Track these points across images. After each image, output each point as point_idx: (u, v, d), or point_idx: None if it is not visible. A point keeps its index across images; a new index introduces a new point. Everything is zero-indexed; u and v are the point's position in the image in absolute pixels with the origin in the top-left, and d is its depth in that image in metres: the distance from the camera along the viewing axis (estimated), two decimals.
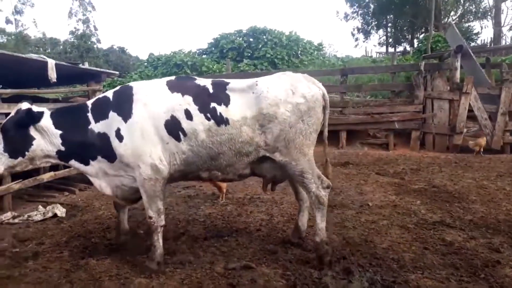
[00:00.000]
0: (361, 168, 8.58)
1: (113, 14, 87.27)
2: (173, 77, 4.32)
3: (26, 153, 3.94)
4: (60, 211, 6.07)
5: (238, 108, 3.86)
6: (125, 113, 3.88)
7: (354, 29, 43.77)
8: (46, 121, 3.98)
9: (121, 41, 73.74)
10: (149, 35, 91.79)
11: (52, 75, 7.09)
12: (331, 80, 14.32)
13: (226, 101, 3.89)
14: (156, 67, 17.70)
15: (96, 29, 45.66)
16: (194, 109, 3.85)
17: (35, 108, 4.01)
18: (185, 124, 3.82)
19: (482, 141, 9.46)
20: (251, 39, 18.05)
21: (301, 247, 4.43)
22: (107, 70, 8.62)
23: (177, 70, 15.76)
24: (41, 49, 39.14)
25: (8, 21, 46.04)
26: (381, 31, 42.22)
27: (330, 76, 14.41)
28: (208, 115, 3.83)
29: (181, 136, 3.83)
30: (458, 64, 10.13)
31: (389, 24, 40.72)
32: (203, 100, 3.89)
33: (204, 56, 17.66)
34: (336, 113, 11.80)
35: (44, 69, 7.09)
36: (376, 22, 41.22)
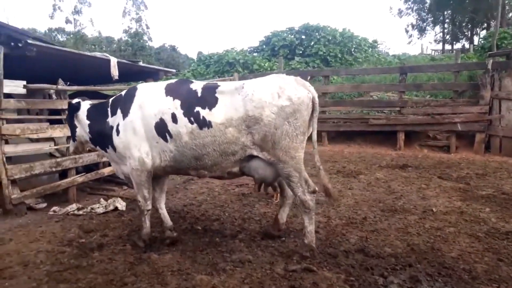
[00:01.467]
0: (422, 171, 8.19)
1: (164, 12, 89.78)
2: (173, 80, 4.64)
3: (76, 138, 4.98)
4: (121, 204, 6.27)
5: (223, 110, 4.03)
6: (125, 112, 4.44)
7: (408, 26, 42.28)
8: (82, 113, 4.80)
9: (171, 39, 75.41)
10: (198, 33, 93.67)
11: (115, 72, 7.35)
12: (387, 79, 13.84)
13: (212, 104, 4.08)
14: (208, 65, 17.95)
15: (148, 27, 47.25)
16: (179, 113, 4.16)
17: (75, 100, 4.89)
18: (171, 126, 4.18)
19: None
20: (303, 37, 17.80)
21: (363, 252, 4.26)
22: (165, 68, 8.84)
23: (229, 68, 15.88)
24: (97, 47, 41.06)
25: (68, 21, 48.75)
26: (437, 28, 40.40)
27: (386, 75, 13.95)
28: (192, 118, 4.10)
29: (168, 137, 4.22)
30: None
31: (447, 20, 38.85)
32: (189, 104, 4.15)
33: (255, 54, 17.65)
34: (394, 113, 11.38)
35: (106, 67, 7.36)
36: (432, 18, 39.47)
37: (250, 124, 3.94)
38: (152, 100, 4.33)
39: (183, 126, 4.12)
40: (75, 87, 6.86)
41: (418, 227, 5.02)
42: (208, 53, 18.81)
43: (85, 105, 4.86)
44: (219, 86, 4.22)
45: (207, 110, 4.07)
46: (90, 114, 4.81)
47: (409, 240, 4.58)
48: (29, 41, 5.78)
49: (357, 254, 4.23)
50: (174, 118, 4.16)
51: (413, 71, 12.16)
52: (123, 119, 4.43)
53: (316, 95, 4.10)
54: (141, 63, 8.05)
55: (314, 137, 4.25)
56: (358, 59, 17.18)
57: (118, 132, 4.46)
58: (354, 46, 17.57)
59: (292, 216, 5.53)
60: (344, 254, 4.23)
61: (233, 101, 4.02)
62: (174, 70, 8.81)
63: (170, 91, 4.33)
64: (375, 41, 20.39)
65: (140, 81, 9.60)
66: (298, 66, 16.02)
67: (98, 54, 7.48)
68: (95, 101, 5.26)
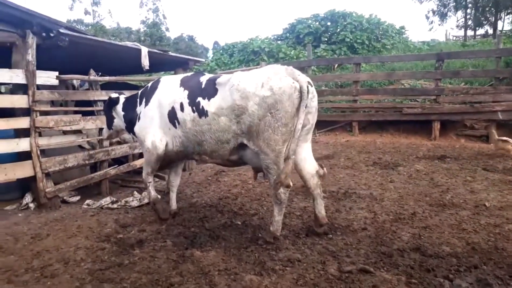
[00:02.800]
0: (463, 162, 7.79)
1: (179, 2, 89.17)
2: (189, 73, 5.15)
3: (112, 127, 5.69)
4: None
5: (218, 100, 4.27)
6: (147, 101, 5.00)
7: (428, 12, 41.13)
8: (119, 106, 5.49)
9: (188, 29, 75.06)
10: (214, 23, 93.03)
11: (145, 62, 7.16)
12: (418, 66, 13.33)
13: (211, 95, 4.35)
14: (232, 54, 17.65)
15: (165, 17, 47.24)
16: (186, 103, 4.54)
17: (114, 95, 5.56)
18: (179, 114, 4.60)
19: None
20: (328, 23, 17.27)
21: (419, 251, 3.98)
22: (194, 58, 8.61)
23: (254, 57, 15.53)
24: (117, 38, 41.18)
25: (86, 12, 49.07)
26: (459, 13, 39.15)
27: (418, 62, 13.42)
28: (194, 108, 4.45)
29: (177, 124, 4.67)
30: None
31: (469, 5, 37.59)
32: (194, 94, 4.49)
33: (279, 42, 17.26)
34: (429, 101, 10.92)
35: (136, 57, 7.17)
36: (454, 3, 38.25)
37: (238, 114, 4.10)
38: (168, 91, 4.80)
39: (188, 114, 4.51)
40: (106, 78, 6.71)
41: (473, 223, 4.70)
42: (232, 42, 18.50)
43: (122, 98, 5.54)
44: (219, 77, 4.44)
45: (206, 100, 4.37)
46: (125, 105, 5.46)
47: (467, 238, 4.27)
48: (62, 31, 5.61)
49: (413, 253, 3.95)
50: (181, 107, 4.57)
51: (451, 57, 11.63)
52: (145, 107, 5.01)
53: (304, 84, 3.98)
54: (171, 53, 7.83)
55: (297, 127, 3.97)
56: (386, 46, 16.61)
57: (139, 119, 5.10)
58: (381, 32, 16.98)
59: (335, 211, 5.28)
60: (399, 253, 3.96)
61: (225, 92, 4.21)
62: (203, 60, 8.61)
63: (183, 83, 4.73)
64: (402, 27, 19.71)
65: (170, 71, 9.42)
66: (324, 53, 15.57)
67: (129, 43, 7.29)
68: (128, 93, 5.91)
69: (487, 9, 36.65)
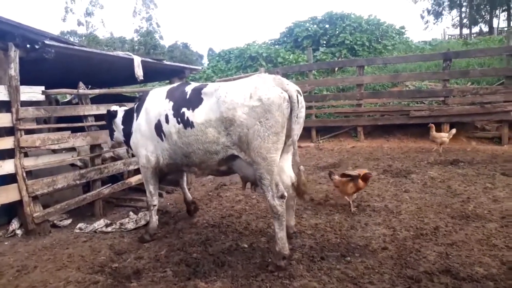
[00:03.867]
0: (478, 167, 7.35)
1: (172, 10, 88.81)
2: (176, 84, 5.04)
3: (113, 138, 5.70)
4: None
5: (204, 111, 4.17)
6: (137, 115, 5.01)
7: (423, 11, 41.12)
8: (118, 119, 5.46)
9: (182, 37, 74.51)
10: (208, 30, 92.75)
11: (139, 72, 6.74)
12: (422, 67, 12.93)
13: (196, 105, 4.26)
14: (229, 60, 17.26)
15: (158, 26, 47.16)
16: (171, 114, 4.47)
17: (114, 108, 5.53)
18: (164, 127, 4.55)
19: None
20: (327, 26, 16.86)
21: (450, 273, 3.53)
22: (191, 66, 8.20)
23: (252, 63, 15.10)
24: (110, 48, 40.90)
25: (79, 23, 48.81)
26: (454, 12, 39.21)
27: (421, 62, 13.01)
28: (179, 119, 4.37)
29: (163, 136, 4.62)
30: None
31: (464, 3, 37.55)
32: (179, 105, 4.42)
33: (276, 46, 16.85)
34: (437, 103, 10.49)
35: (129, 67, 6.76)
36: (448, 2, 38.27)
37: (227, 126, 4.00)
38: (155, 103, 4.75)
39: (172, 126, 4.44)
40: (96, 91, 6.28)
41: (503, 237, 4.26)
42: (228, 48, 18.09)
43: (121, 111, 5.47)
44: (204, 87, 4.34)
45: (190, 111, 4.28)
46: (124, 118, 5.39)
47: (500, 256, 3.82)
48: (47, 42, 5.19)
49: (443, 276, 3.51)
50: (167, 119, 4.51)
51: (459, 56, 11.20)
52: (136, 121, 5.01)
53: (294, 94, 3.92)
54: (165, 62, 7.41)
55: (294, 138, 3.97)
56: (387, 47, 16.21)
57: (132, 133, 5.09)
58: (381, 33, 16.60)
59: (349, 228, 4.83)
60: (427, 277, 3.52)
61: (212, 103, 4.12)
62: (200, 68, 8.18)
63: (168, 94, 4.66)
64: (402, 27, 19.34)
65: (166, 80, 9.01)
66: (324, 57, 15.16)
67: (121, 53, 6.87)
68: (127, 105, 5.85)
69: (482, 6, 36.60)
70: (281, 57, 14.87)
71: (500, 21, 36.62)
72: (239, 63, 15.80)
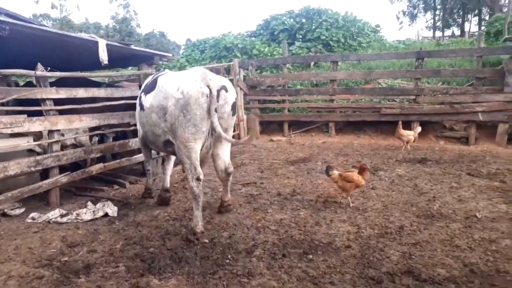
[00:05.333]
0: (445, 166, 7.40)
1: None
2: (158, 72, 5.48)
3: None
4: (112, 209, 5.41)
5: (151, 97, 4.70)
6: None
7: (399, 12, 41.99)
8: None
9: (160, 25, 72.75)
10: (187, 20, 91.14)
11: (103, 56, 6.39)
12: (395, 65, 12.98)
13: (148, 91, 4.82)
14: (203, 50, 16.90)
15: (136, 13, 46.13)
16: (139, 98, 5.18)
17: None
18: (137, 108, 5.25)
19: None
20: (303, 20, 16.70)
21: (412, 275, 3.46)
22: (160, 52, 7.87)
23: (227, 54, 14.81)
24: (84, 33, 39.56)
25: (53, 6, 47.01)
26: (428, 14, 40.32)
27: (394, 61, 13.08)
28: (139, 101, 5.09)
29: (137, 114, 5.32)
30: None
31: (438, 7, 38.53)
32: (142, 89, 5.14)
33: (253, 38, 16.61)
34: (408, 102, 10.54)
35: (94, 50, 6.40)
36: (423, 5, 39.23)
37: (164, 112, 4.46)
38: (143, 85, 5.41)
39: (137, 106, 5.19)
40: (57, 73, 5.91)
41: (466, 238, 4.24)
42: (203, 38, 17.71)
43: None
44: (159, 76, 4.82)
45: (144, 95, 4.90)
46: None
47: (462, 257, 3.79)
48: (1, 18, 4.81)
49: (405, 277, 3.44)
50: (138, 102, 5.16)
51: (431, 56, 11.27)
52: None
53: (214, 89, 4.29)
54: (133, 46, 7.08)
55: (217, 129, 4.35)
56: (362, 44, 16.24)
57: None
58: (356, 30, 16.60)
59: (314, 224, 4.73)
60: (389, 277, 3.44)
61: (156, 91, 4.63)
62: (170, 55, 7.87)
63: (149, 79, 5.26)
64: (377, 26, 19.45)
65: (134, 66, 8.66)
66: (300, 51, 15.01)
67: (84, 35, 6.52)
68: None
69: (454, 10, 37.68)
70: (257, 49, 14.65)
71: (472, 25, 37.86)
72: (214, 53, 15.48)
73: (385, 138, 10.53)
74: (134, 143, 7.14)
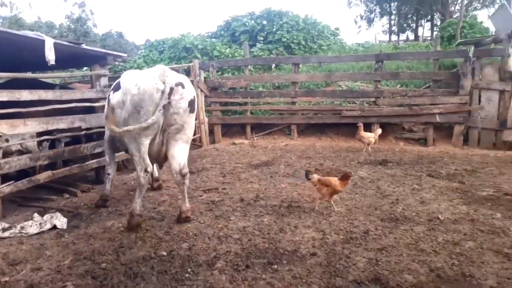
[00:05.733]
0: (406, 168, 7.46)
1: None
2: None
3: None
4: (60, 221, 4.99)
5: (117, 94, 4.78)
6: None
7: (357, 17, 43.18)
8: None
9: (118, 26, 70.57)
10: (147, 20, 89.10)
11: (50, 56, 5.93)
12: (355, 68, 13.13)
13: (116, 88, 4.91)
14: (162, 51, 16.44)
15: (92, 13, 44.55)
16: (108, 96, 5.24)
17: None
18: (105, 107, 5.42)
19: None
20: (264, 22, 16.62)
21: (380, 282, 3.35)
22: (114, 52, 7.45)
23: (186, 54, 14.44)
24: (36, 32, 37.65)
25: (2, 4, 44.45)
26: (384, 19, 41.89)
27: (354, 63, 13.22)
28: (107, 100, 5.22)
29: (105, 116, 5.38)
30: (511, 51, 8.95)
31: (393, 12, 39.99)
32: (112, 88, 5.12)
33: (213, 40, 16.33)
34: (367, 104, 10.65)
35: (41, 50, 5.93)
36: (380, 10, 40.65)
37: (123, 107, 4.58)
38: None
39: (106, 105, 5.40)
40: (3, 74, 5.41)
41: (430, 241, 4.20)
42: (162, 38, 17.22)
43: None
44: (124, 73, 4.99)
45: (112, 93, 4.98)
46: None
47: (428, 262, 3.72)
48: None
49: (373, 285, 3.33)
50: (108, 98, 5.21)
51: (390, 58, 11.48)
52: None
53: (168, 86, 4.39)
54: (84, 46, 6.64)
55: (150, 121, 4.38)
56: (322, 46, 16.36)
57: None
58: (317, 33, 16.71)
59: (278, 231, 4.55)
60: (356, 286, 3.31)
61: (121, 88, 4.72)
62: (124, 55, 7.46)
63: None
64: (337, 29, 19.72)
65: (85, 67, 8.18)
66: (261, 53, 14.90)
67: (30, 33, 6.03)
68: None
69: (409, 16, 39.30)
70: (217, 51, 14.38)
71: (425, 30, 39.56)
72: (173, 54, 15.05)
73: (346, 140, 10.58)
74: (86, 148, 6.71)
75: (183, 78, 4.68)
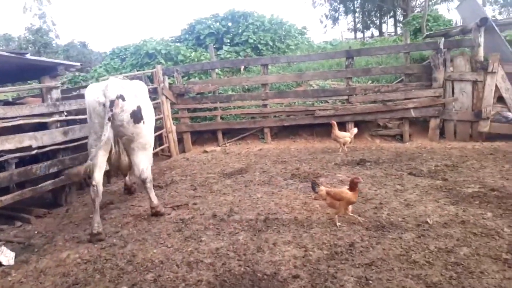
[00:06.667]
0: (385, 167, 7.14)
1: (72, 8, 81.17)
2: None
3: None
4: (7, 256, 4.37)
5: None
6: None
7: (322, 16, 43.58)
8: None
9: (82, 36, 68.01)
10: (111, 29, 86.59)
11: None
12: (325, 66, 12.82)
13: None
14: (124, 58, 15.70)
15: (54, 24, 43.05)
16: None
17: None
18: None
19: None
20: (229, 24, 16.11)
21: None
22: (65, 62, 6.78)
23: (149, 60, 13.77)
24: None
25: None
26: (349, 17, 42.51)
27: (323, 61, 12.92)
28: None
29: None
30: (481, 40, 8.76)
31: (357, 9, 40.59)
32: None
33: (178, 44, 15.71)
34: (340, 102, 10.32)
35: None
36: (344, 8, 41.20)
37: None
38: None
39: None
40: None
41: (422, 250, 3.84)
42: (124, 45, 16.44)
43: None
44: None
45: None
46: None
47: (423, 276, 3.35)
48: None
49: None
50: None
51: (361, 54, 11.19)
52: None
53: (108, 99, 4.55)
54: (29, 56, 5.98)
55: (103, 137, 4.55)
56: (290, 46, 16.00)
57: None
58: (284, 33, 16.35)
59: (256, 251, 4.08)
60: None
61: None
62: (78, 64, 6.79)
63: None
64: (304, 28, 19.45)
65: (32, 80, 7.48)
66: (228, 55, 14.39)
67: None
68: None
69: (372, 13, 39.98)
70: (182, 55, 13.77)
71: (388, 26, 40.24)
72: (135, 60, 14.33)
73: (321, 141, 10.21)
74: (39, 169, 6.04)
75: (125, 90, 4.80)
